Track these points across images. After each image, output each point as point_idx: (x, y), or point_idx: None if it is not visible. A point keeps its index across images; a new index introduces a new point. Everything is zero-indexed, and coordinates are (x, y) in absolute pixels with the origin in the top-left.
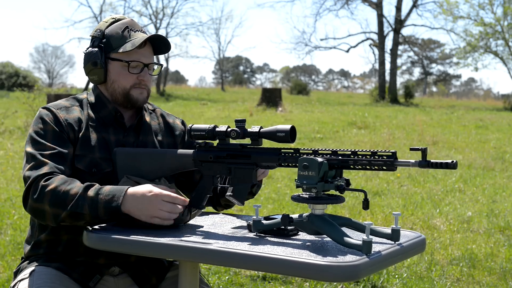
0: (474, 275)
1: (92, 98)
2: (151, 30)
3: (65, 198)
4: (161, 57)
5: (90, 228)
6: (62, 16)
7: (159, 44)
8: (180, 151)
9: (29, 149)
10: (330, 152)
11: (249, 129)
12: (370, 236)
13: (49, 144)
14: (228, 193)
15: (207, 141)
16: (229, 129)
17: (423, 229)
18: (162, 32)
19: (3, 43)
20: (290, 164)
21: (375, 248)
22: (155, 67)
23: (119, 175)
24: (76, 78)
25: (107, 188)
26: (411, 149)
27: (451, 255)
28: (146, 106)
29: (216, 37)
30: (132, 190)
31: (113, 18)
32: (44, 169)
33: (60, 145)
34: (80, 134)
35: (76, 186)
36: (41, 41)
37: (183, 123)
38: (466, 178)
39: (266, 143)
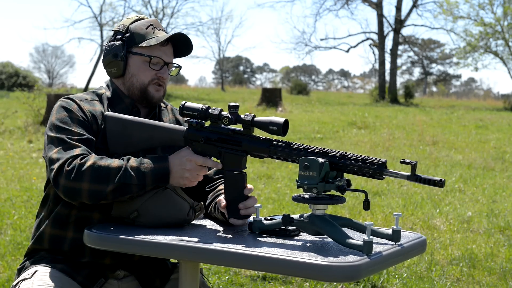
0: (474, 275)
1: (108, 93)
2: None
3: (108, 172)
4: None
5: (89, 228)
6: (62, 16)
7: (181, 46)
8: (171, 126)
9: (53, 133)
10: (321, 151)
11: (242, 116)
12: (371, 237)
13: (76, 131)
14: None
15: (199, 121)
16: (222, 113)
17: (423, 229)
18: None
19: (3, 43)
20: (280, 157)
21: (376, 248)
22: (174, 68)
23: (109, 141)
24: (76, 78)
25: (147, 157)
26: (401, 162)
27: (451, 255)
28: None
29: (216, 37)
30: (172, 156)
31: (137, 16)
32: (76, 151)
33: (87, 132)
34: (103, 127)
35: (114, 160)
36: (41, 41)
37: None
38: (466, 178)
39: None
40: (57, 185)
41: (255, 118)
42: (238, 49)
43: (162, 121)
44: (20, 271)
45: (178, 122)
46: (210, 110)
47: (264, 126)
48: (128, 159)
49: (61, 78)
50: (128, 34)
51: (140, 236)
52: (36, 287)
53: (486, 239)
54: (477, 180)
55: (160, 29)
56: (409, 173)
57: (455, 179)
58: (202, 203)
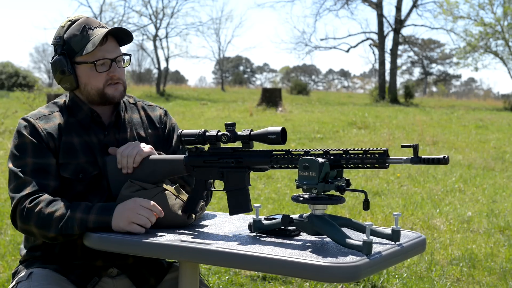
0: (474, 275)
1: (69, 102)
2: (151, 30)
3: (50, 220)
4: (162, 58)
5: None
6: (62, 16)
7: (121, 35)
8: (171, 157)
9: (11, 165)
10: (322, 152)
11: (239, 132)
12: (371, 237)
13: (30, 159)
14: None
15: (198, 146)
16: (219, 133)
17: (423, 229)
18: (162, 32)
19: (3, 43)
20: (282, 166)
21: (376, 248)
22: (126, 58)
23: (111, 183)
24: None
25: (96, 207)
26: (403, 146)
27: (451, 255)
28: (127, 100)
29: (216, 37)
30: (119, 206)
31: (69, 21)
32: (27, 189)
33: (41, 157)
34: (61, 141)
35: (61, 207)
36: (41, 41)
37: (166, 113)
38: (466, 178)
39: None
40: (15, 225)
41: (252, 132)
42: (238, 49)
43: (129, 119)
44: (14, 275)
45: (150, 119)
46: (207, 133)
47: (263, 137)
48: (76, 208)
49: None
50: (65, 46)
51: (140, 237)
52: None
53: (486, 239)
54: (477, 180)
55: (95, 27)
56: (411, 157)
57: (455, 179)
58: (203, 203)
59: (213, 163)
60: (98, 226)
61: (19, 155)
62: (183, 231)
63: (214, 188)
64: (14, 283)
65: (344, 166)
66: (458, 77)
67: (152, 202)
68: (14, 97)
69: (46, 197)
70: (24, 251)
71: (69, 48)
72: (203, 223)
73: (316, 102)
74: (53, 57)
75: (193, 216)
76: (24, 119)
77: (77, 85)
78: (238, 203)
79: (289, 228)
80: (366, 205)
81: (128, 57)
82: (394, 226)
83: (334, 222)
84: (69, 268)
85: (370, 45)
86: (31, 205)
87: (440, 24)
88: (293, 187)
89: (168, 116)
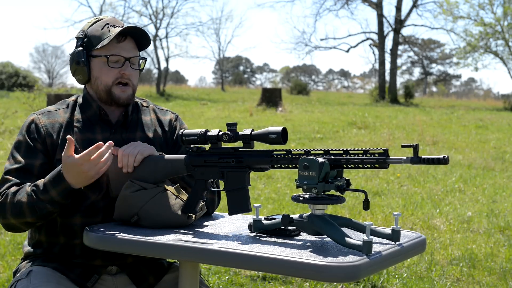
0: (474, 275)
1: (80, 99)
2: (151, 30)
3: (21, 208)
4: (162, 58)
5: (89, 229)
6: (62, 16)
7: (140, 39)
8: (171, 156)
9: (8, 157)
10: (322, 152)
11: (240, 132)
12: (371, 237)
13: (19, 158)
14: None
15: (198, 145)
16: (220, 133)
17: (423, 229)
18: (162, 32)
19: (3, 43)
20: (282, 166)
21: (376, 248)
22: (140, 62)
23: (111, 183)
24: None
25: (48, 183)
26: (403, 146)
27: (451, 255)
28: (140, 103)
29: (216, 37)
30: (63, 170)
31: (96, 18)
32: (4, 187)
33: (30, 158)
34: (60, 137)
35: (25, 193)
36: (41, 41)
37: (176, 118)
38: (466, 178)
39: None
40: None
41: (253, 132)
42: (238, 49)
43: (141, 120)
44: (15, 273)
45: (160, 122)
46: (208, 133)
47: (263, 137)
48: (36, 192)
49: (61, 78)
50: (86, 39)
51: (140, 237)
52: (32, 286)
53: (486, 239)
54: (477, 180)
55: (117, 26)
56: (411, 157)
57: (455, 179)
58: (203, 203)
59: (213, 163)
60: (63, 194)
61: (14, 151)
62: (183, 231)
63: (215, 188)
64: (14, 281)
65: (344, 166)
66: (458, 77)
67: (92, 148)
68: (14, 97)
69: (13, 188)
70: (27, 248)
71: (89, 41)
72: (203, 223)
73: (316, 102)
74: (73, 49)
75: (193, 216)
76: (30, 116)
77: (89, 78)
78: (238, 203)
79: (289, 228)
80: (366, 205)
81: (143, 60)
82: (394, 226)
83: (334, 222)
84: (69, 267)
85: (370, 45)
86: (1, 199)
87: (440, 24)
88: (293, 187)
89: (179, 120)
